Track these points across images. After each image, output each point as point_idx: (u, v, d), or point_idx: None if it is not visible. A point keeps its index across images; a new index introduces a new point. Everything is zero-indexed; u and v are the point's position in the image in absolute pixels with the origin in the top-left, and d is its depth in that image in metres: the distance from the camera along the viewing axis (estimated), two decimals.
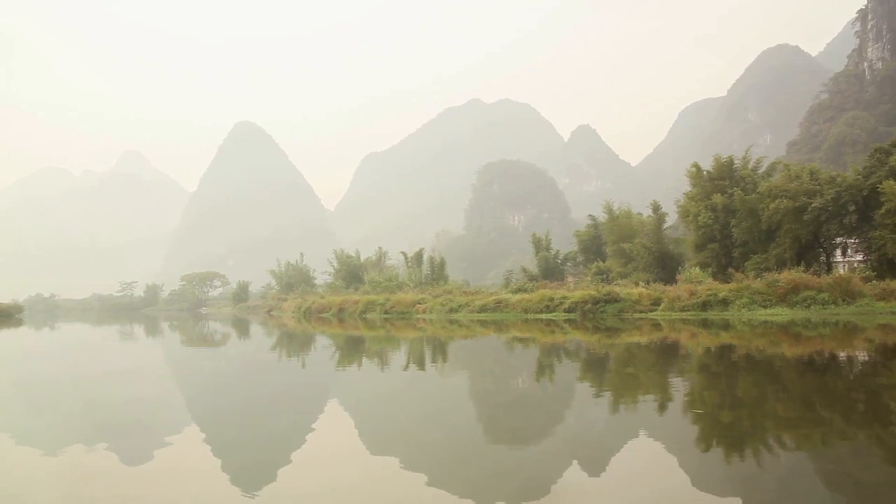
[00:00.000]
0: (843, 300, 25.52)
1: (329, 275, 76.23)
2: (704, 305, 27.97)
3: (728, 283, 29.75)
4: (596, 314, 30.58)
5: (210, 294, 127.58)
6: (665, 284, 34.06)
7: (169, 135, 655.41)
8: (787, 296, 26.49)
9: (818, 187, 33.86)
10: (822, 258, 35.84)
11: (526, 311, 34.66)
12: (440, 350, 18.44)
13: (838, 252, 36.83)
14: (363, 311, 46.40)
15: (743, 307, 26.79)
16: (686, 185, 43.65)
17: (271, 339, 27.00)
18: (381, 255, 72.92)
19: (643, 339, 18.34)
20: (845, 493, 4.86)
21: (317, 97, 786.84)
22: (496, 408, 8.92)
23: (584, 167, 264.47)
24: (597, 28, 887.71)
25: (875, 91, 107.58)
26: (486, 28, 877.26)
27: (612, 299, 31.29)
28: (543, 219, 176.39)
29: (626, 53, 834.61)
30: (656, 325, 23.08)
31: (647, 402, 8.68)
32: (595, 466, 5.72)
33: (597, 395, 9.32)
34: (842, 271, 31.53)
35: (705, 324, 23.02)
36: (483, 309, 37.58)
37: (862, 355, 13.56)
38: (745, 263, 35.18)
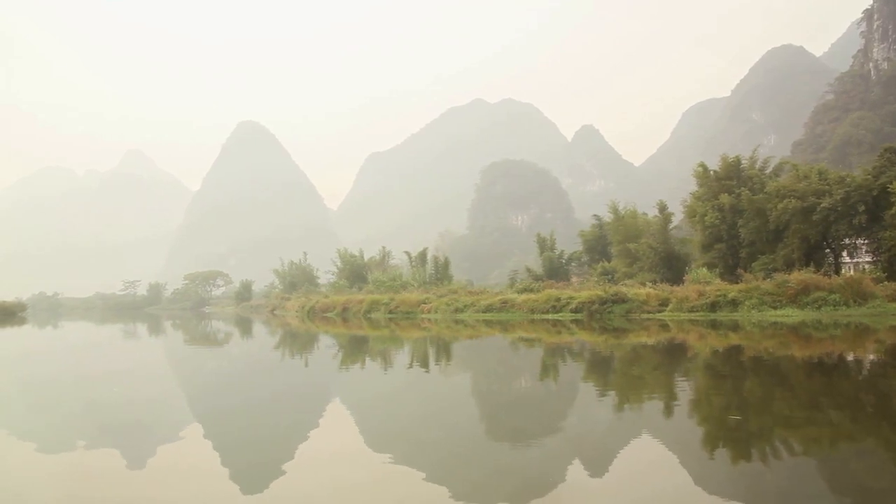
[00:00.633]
0: (855, 301, 25.17)
1: (332, 274, 76.10)
2: (713, 306, 27.69)
3: (737, 283, 29.46)
4: (603, 315, 30.33)
5: (213, 293, 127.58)
6: (671, 285, 33.78)
7: (169, 135, 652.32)
8: (797, 297, 26.16)
9: (827, 187, 33.56)
10: (830, 259, 35.55)
11: (532, 311, 34.41)
12: (444, 350, 18.26)
13: (844, 253, 36.52)
14: (367, 310, 46.20)
15: (752, 308, 26.48)
16: (691, 186, 43.35)
17: (274, 339, 26.85)
18: (385, 255, 72.72)
19: (651, 340, 18.13)
20: (850, 496, 4.78)
21: (317, 97, 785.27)
22: (499, 408, 8.87)
23: (586, 167, 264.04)
24: (597, 28, 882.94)
25: (881, 91, 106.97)
26: (485, 28, 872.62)
27: (619, 300, 31.03)
28: (547, 219, 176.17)
29: (625, 53, 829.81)
30: (664, 326, 22.84)
31: (652, 403, 8.58)
32: (596, 466, 5.68)
33: (600, 396, 9.28)
34: (850, 272, 31.22)
35: (714, 325, 22.77)
36: (489, 309, 37.34)
37: (872, 357, 13.34)
38: (753, 264, 34.88)
